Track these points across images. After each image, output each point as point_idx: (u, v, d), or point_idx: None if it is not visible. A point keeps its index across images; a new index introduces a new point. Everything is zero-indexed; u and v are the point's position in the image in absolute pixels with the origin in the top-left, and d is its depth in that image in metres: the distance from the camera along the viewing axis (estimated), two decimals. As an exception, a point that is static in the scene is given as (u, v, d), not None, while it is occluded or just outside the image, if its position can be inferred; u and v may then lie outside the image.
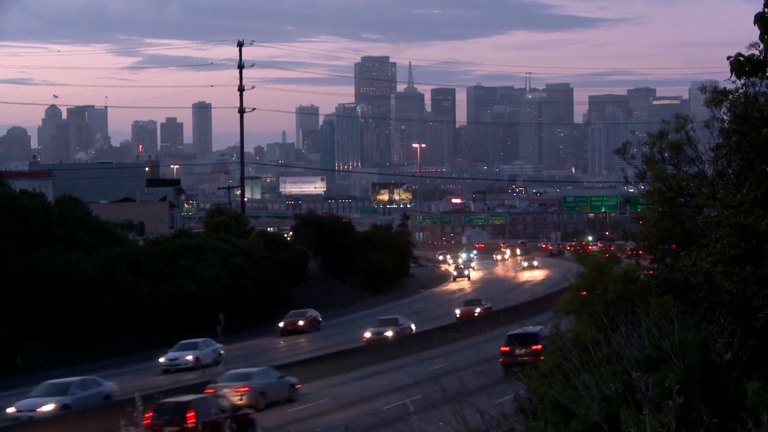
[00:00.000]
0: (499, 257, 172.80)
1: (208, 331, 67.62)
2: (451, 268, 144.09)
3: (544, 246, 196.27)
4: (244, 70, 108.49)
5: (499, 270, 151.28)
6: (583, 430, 13.08)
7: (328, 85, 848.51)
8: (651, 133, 25.52)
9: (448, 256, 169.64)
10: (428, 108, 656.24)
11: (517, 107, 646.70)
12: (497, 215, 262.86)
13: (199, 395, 37.78)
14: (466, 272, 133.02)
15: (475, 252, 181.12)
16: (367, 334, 66.50)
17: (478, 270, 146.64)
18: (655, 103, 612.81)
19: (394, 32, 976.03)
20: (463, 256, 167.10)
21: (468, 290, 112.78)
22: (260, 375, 45.73)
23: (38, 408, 42.86)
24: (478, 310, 78.69)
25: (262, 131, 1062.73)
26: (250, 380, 44.60)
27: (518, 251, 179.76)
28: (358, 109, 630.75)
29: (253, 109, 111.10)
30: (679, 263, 18.81)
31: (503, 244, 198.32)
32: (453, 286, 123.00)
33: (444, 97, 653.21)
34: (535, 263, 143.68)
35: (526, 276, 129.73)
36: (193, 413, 34.91)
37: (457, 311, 79.93)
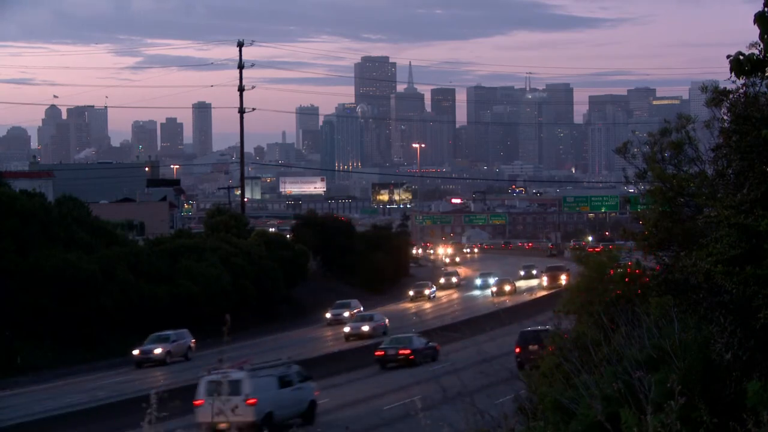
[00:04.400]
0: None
1: (209, 332, 67.38)
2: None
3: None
4: (244, 70, 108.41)
5: None
6: (584, 430, 13.08)
7: (328, 85, 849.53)
8: (652, 132, 25.46)
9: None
10: (428, 108, 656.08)
11: (517, 107, 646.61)
12: (497, 215, 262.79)
13: None
14: None
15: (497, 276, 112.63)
16: None
17: None
18: (655, 103, 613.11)
19: (394, 32, 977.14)
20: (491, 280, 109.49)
21: None
22: None
23: None
24: None
25: (262, 131, 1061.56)
26: None
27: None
28: (358, 109, 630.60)
29: (253, 109, 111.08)
30: (679, 263, 18.80)
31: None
32: None
33: (444, 97, 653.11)
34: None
35: None
36: None
37: None
